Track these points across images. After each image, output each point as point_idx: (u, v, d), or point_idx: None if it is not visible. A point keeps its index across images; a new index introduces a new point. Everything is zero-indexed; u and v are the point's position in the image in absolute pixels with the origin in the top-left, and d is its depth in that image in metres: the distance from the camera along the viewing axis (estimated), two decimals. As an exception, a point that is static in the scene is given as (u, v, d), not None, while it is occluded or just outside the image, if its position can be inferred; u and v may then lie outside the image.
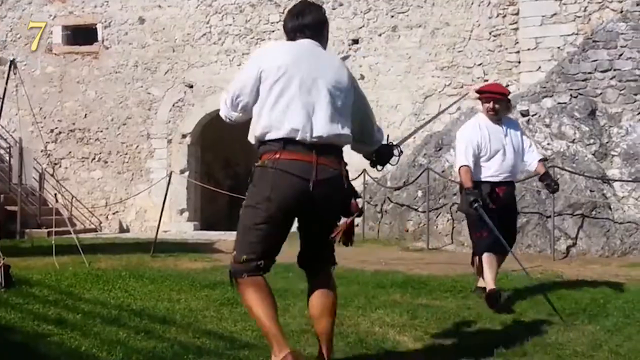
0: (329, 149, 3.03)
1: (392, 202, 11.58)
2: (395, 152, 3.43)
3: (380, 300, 5.32)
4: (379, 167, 3.48)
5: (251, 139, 3.13)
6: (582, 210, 9.31)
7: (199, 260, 8.18)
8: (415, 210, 10.92)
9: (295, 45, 3.16)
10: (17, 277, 5.92)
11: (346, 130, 3.09)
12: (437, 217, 10.44)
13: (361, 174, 12.11)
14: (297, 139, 2.97)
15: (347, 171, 3.13)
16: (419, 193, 10.92)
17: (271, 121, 3.00)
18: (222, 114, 3.28)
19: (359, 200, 3.30)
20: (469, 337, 4.15)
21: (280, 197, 2.96)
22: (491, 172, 5.26)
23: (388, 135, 3.47)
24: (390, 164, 3.48)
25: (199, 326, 4.31)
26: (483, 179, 5.24)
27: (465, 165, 5.18)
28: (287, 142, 2.97)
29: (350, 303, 5.12)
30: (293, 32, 3.21)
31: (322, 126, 3.00)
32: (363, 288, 5.94)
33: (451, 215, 10.30)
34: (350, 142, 3.17)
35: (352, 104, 3.16)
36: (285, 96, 3.00)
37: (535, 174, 6.01)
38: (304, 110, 2.99)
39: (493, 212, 5.05)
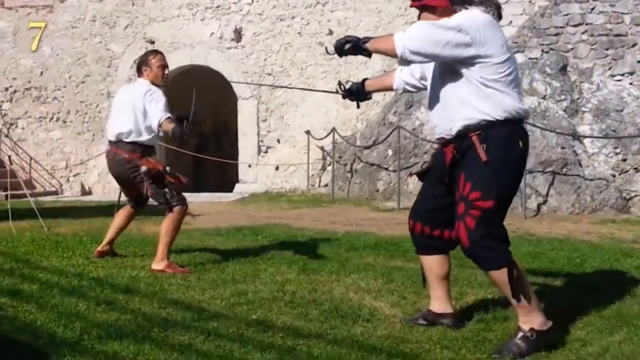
0: None
1: (362, 161, 11.38)
2: None
3: (354, 263, 5.16)
4: None
5: None
6: (553, 167, 9.24)
7: (164, 223, 7.88)
8: (386, 169, 10.75)
9: None
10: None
11: None
12: (407, 176, 10.28)
13: (330, 132, 11.87)
14: None
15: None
16: (389, 152, 10.73)
17: None
18: None
19: None
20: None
21: None
22: None
23: None
24: None
25: (165, 295, 4.07)
26: None
27: None
28: None
29: (322, 267, 4.94)
30: None
31: None
32: (335, 251, 5.77)
33: (422, 174, 10.15)
34: None
35: None
36: None
37: None
38: None
39: None
